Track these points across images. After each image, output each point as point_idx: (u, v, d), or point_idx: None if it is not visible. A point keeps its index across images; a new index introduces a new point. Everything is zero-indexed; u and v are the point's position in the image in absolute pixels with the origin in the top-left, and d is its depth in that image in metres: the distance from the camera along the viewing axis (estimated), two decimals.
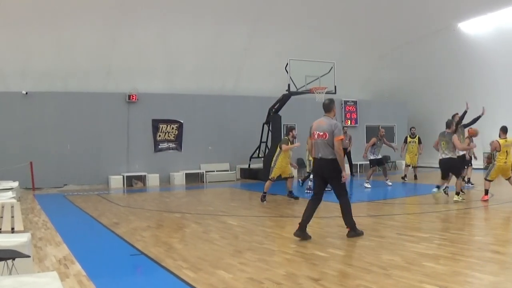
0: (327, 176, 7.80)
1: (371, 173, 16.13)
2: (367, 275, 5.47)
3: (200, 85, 21.45)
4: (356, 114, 24.91)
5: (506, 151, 11.54)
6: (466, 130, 14.45)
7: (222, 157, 21.21)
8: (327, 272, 5.70)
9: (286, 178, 12.97)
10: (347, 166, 19.06)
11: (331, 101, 8.03)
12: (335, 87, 18.80)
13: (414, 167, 18.65)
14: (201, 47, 20.57)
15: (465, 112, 14.36)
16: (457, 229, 8.37)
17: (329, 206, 10.26)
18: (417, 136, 18.35)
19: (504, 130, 11.78)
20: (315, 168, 7.97)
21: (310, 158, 13.43)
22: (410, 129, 19.01)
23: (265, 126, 20.08)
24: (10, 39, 17.21)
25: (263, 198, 12.71)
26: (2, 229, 6.17)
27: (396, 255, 6.36)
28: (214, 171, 20.76)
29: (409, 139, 18.35)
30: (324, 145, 7.69)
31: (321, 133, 7.72)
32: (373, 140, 16.16)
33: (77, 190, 17.22)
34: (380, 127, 17.00)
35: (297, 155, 21.94)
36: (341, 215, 7.85)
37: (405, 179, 17.86)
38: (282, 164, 12.75)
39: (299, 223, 7.77)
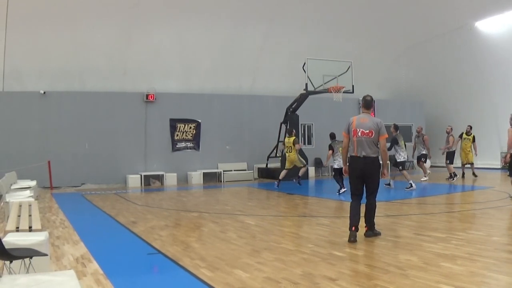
0: (368, 174, 7.45)
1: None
2: (384, 275, 5.43)
3: (217, 84, 21.50)
4: (374, 113, 24.72)
5: None
6: None
7: (240, 156, 21.23)
8: (344, 272, 5.67)
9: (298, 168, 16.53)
10: None
11: (372, 98, 7.80)
12: (353, 86, 18.73)
13: (471, 164, 18.33)
14: (217, 46, 20.61)
15: None
16: (474, 229, 8.26)
17: (346, 205, 10.17)
18: (473, 134, 18.06)
19: None
20: (355, 167, 7.52)
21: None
22: (467, 127, 18.38)
23: (283, 125, 20.04)
24: (27, 39, 17.37)
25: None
26: (20, 228, 6.23)
27: (413, 255, 6.30)
28: (231, 170, 20.78)
29: (464, 135, 18.15)
30: (370, 143, 7.42)
31: (367, 131, 7.43)
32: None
33: (95, 189, 17.37)
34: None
35: (314, 155, 21.90)
36: (363, 214, 7.65)
37: (455, 178, 17.19)
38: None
39: (354, 228, 7.39)
